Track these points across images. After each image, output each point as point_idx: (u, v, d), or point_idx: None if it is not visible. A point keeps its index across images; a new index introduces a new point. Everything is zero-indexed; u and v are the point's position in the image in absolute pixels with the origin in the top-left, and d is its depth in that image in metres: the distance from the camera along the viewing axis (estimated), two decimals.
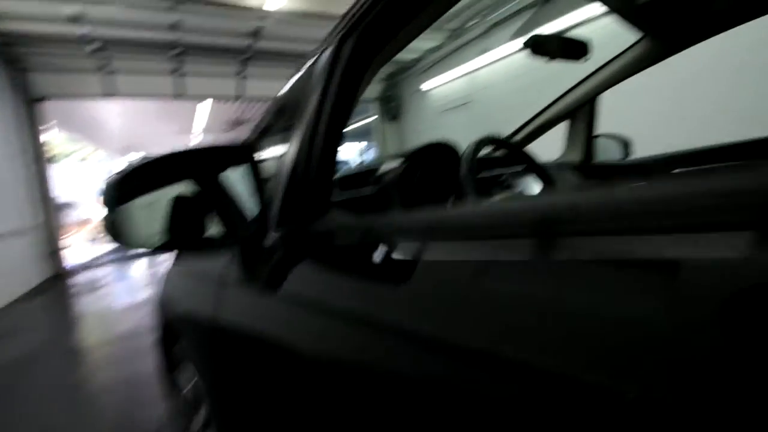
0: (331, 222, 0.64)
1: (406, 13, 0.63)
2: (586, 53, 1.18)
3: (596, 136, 1.72)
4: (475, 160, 0.87)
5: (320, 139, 0.69)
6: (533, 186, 1.06)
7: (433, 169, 0.93)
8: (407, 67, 7.02)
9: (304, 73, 0.79)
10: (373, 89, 7.48)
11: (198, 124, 9.36)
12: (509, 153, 1.12)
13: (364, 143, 11.53)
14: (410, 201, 0.85)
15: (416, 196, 0.87)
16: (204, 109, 8.13)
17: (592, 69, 1.47)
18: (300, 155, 0.71)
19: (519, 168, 1.17)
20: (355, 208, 0.92)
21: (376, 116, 8.14)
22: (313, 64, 0.75)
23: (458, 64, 5.86)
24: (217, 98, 6.67)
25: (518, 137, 1.66)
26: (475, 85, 5.84)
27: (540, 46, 1.09)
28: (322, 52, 0.73)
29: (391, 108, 7.86)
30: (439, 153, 0.97)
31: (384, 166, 0.93)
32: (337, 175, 0.98)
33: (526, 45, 1.10)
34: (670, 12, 1.07)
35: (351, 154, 12.34)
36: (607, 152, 1.73)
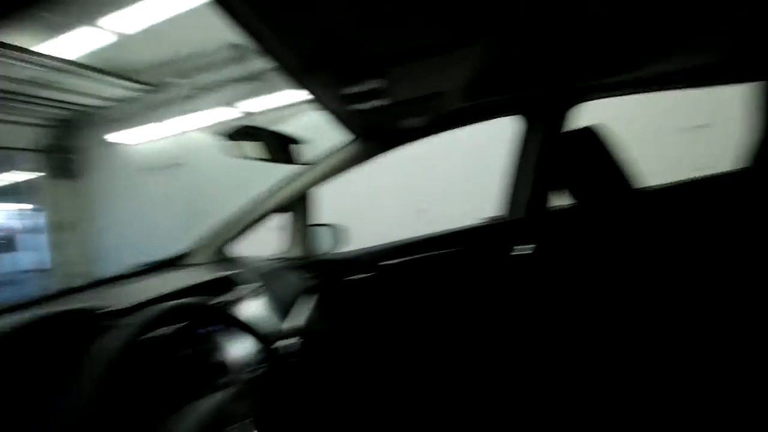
0: None
1: None
2: (299, 148, 1.04)
3: (313, 226, 1.62)
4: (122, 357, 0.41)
5: None
6: (240, 343, 0.66)
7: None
8: (88, 114, 5.50)
9: None
10: (24, 135, 5.39)
11: None
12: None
13: (24, 206, 8.00)
14: None
15: None
16: None
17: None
18: None
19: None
20: None
21: (41, 172, 5.89)
22: None
23: (165, 119, 5.10)
24: None
25: (227, 234, 1.35)
26: (190, 146, 5.20)
27: (248, 139, 0.84)
28: None
29: (65, 162, 5.91)
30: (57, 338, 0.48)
31: None
32: None
33: (232, 137, 0.82)
34: (377, 122, 1.10)
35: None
36: (324, 242, 1.65)
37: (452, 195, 3.78)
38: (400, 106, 1.03)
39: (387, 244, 1.57)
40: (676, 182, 1.32)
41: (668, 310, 1.11)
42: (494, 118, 1.35)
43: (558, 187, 1.25)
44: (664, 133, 3.11)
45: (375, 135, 1.30)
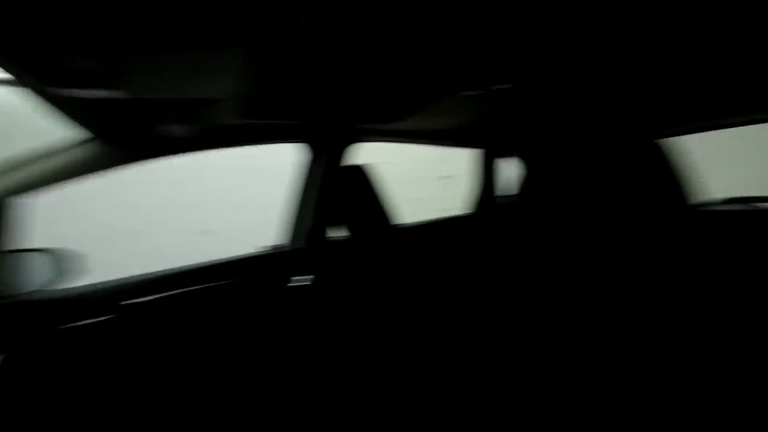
0: None
1: None
2: None
3: (16, 252, 1.15)
4: None
5: None
6: None
7: None
8: None
9: None
10: None
11: None
12: None
13: None
14: None
15: None
16: None
17: None
18: None
19: None
20: None
21: None
22: None
23: None
24: None
25: None
26: None
27: None
28: None
29: None
30: None
31: None
32: None
33: None
34: (120, 121, 0.87)
35: None
36: (37, 274, 1.19)
37: (251, 216, 3.50)
38: (153, 107, 0.84)
39: (138, 276, 1.26)
40: (425, 221, 1.59)
41: (426, 334, 1.27)
42: (278, 142, 1.31)
43: (334, 219, 1.29)
44: (421, 179, 3.85)
45: (121, 137, 1.04)
